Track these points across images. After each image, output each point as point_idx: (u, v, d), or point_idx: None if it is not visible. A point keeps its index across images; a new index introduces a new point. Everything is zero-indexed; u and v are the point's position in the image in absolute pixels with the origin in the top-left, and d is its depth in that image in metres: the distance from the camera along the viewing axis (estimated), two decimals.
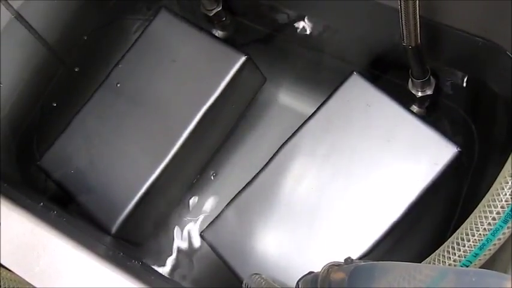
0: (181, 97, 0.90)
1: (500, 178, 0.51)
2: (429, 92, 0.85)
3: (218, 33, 1.05)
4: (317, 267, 0.73)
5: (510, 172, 0.51)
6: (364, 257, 0.75)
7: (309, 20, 0.99)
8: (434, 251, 0.60)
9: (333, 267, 0.49)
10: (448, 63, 0.87)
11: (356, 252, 0.76)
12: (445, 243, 0.56)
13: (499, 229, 0.50)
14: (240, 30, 1.06)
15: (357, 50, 0.97)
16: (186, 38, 0.93)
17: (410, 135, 0.79)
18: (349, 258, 0.49)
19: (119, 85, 0.94)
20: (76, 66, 1.09)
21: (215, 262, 0.84)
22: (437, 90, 0.85)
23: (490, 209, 0.50)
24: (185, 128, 0.87)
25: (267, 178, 0.83)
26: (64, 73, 1.08)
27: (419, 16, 0.65)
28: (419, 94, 0.85)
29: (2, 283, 0.64)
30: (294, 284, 0.58)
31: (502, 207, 0.50)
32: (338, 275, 0.47)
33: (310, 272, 0.57)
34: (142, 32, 0.97)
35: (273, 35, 1.04)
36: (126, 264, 0.72)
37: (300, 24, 1.00)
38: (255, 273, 0.66)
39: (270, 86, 1.00)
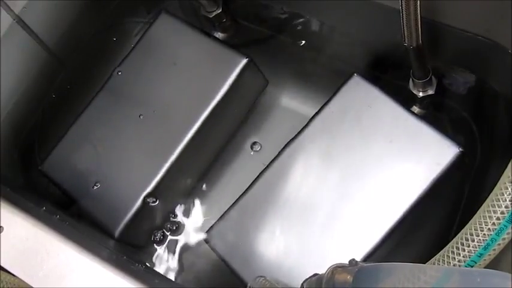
0: (183, 100, 0.90)
1: (503, 178, 0.51)
2: (431, 92, 0.85)
3: (219, 35, 1.05)
4: (320, 268, 0.73)
5: None
6: (368, 257, 0.75)
7: (310, 21, 0.99)
8: (437, 251, 0.60)
9: (337, 268, 0.49)
10: (450, 63, 0.87)
11: (359, 252, 0.76)
12: (449, 243, 0.56)
13: (503, 229, 0.50)
14: (241, 32, 1.06)
15: (358, 51, 0.97)
16: (186, 40, 0.93)
17: (412, 136, 0.79)
18: (353, 260, 0.49)
19: (120, 88, 0.94)
20: (77, 70, 1.09)
21: (218, 264, 0.84)
22: (438, 90, 0.85)
23: (494, 208, 0.50)
24: (187, 131, 0.88)
25: (269, 180, 0.83)
26: (65, 76, 1.08)
27: (420, 16, 0.65)
28: (421, 94, 0.85)
29: (5, 287, 0.64)
30: (298, 286, 0.58)
31: (506, 206, 0.50)
32: (342, 277, 0.47)
33: (315, 274, 0.57)
34: (142, 35, 0.97)
35: (274, 37, 1.04)
36: (129, 267, 0.72)
37: (301, 26, 1.00)
38: (259, 276, 0.66)
39: (272, 88, 1.00)
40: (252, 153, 0.99)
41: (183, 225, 0.98)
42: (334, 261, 0.76)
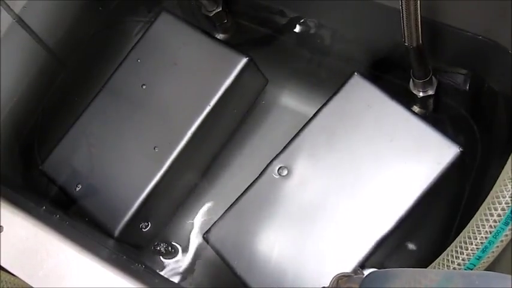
0: (183, 100, 0.90)
1: (500, 181, 0.52)
2: (431, 92, 0.84)
3: (219, 35, 1.05)
4: (319, 267, 0.73)
5: (510, 175, 0.51)
6: (369, 257, 0.75)
7: (310, 21, 0.99)
8: (437, 251, 0.60)
9: (342, 278, 0.50)
10: (450, 63, 0.87)
11: (360, 252, 0.76)
12: (449, 247, 0.56)
13: (500, 231, 0.50)
14: (241, 32, 1.06)
15: (358, 50, 0.97)
16: (187, 40, 0.93)
17: (412, 136, 0.79)
18: (357, 268, 0.50)
19: (120, 88, 0.94)
20: (77, 70, 1.09)
21: (218, 264, 0.84)
22: (438, 90, 0.85)
23: (491, 211, 0.51)
24: (187, 130, 0.88)
25: (269, 180, 0.83)
26: (65, 76, 1.08)
27: (420, 16, 0.65)
28: (421, 94, 0.85)
29: (5, 286, 0.64)
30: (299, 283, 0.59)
31: (502, 209, 0.50)
32: (348, 286, 0.47)
33: None
34: (143, 35, 0.97)
35: (274, 36, 1.04)
36: (129, 267, 0.72)
37: (301, 25, 1.00)
38: None
39: (272, 87, 1.00)
40: (252, 152, 0.99)
41: (184, 225, 0.98)
42: (333, 260, 0.77)
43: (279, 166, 0.83)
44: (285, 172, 0.83)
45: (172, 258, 0.96)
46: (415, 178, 0.77)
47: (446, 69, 0.88)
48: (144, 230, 0.91)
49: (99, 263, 0.66)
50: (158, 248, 0.96)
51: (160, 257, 0.96)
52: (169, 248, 0.96)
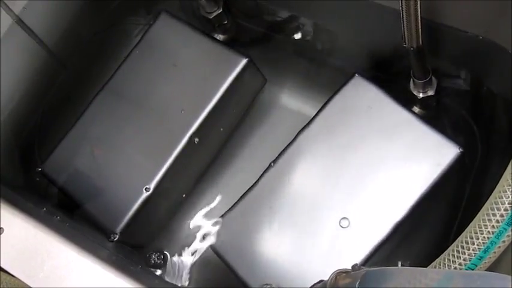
0: (183, 100, 0.90)
1: (502, 181, 0.52)
2: (431, 92, 0.85)
3: (219, 36, 1.05)
4: (320, 267, 0.73)
5: None
6: (370, 257, 0.75)
7: (311, 21, 0.99)
8: (438, 251, 0.60)
9: (340, 274, 0.50)
10: (450, 64, 0.87)
11: (361, 252, 0.76)
12: (450, 246, 0.56)
13: (503, 231, 0.50)
14: (241, 33, 1.06)
15: (359, 51, 0.97)
16: (186, 41, 0.93)
17: (412, 136, 0.79)
18: (356, 264, 0.50)
19: (120, 89, 0.94)
20: (77, 71, 1.08)
21: (217, 265, 0.84)
22: (438, 90, 0.85)
23: (493, 211, 0.51)
24: (187, 131, 0.88)
25: (270, 181, 0.83)
26: (65, 77, 1.08)
27: (420, 17, 0.65)
28: (421, 95, 0.85)
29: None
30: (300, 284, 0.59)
31: (505, 209, 0.50)
32: (346, 281, 0.47)
33: (321, 281, 0.57)
34: (143, 36, 0.97)
35: (274, 37, 1.04)
36: (129, 268, 0.72)
37: (301, 26, 1.00)
38: (266, 284, 0.67)
39: (272, 87, 1.00)
40: (252, 152, 0.99)
41: (183, 226, 0.98)
42: (335, 261, 0.77)
43: (280, 167, 0.83)
44: (285, 173, 0.83)
45: (170, 262, 0.96)
46: (415, 178, 0.77)
47: (446, 70, 0.88)
48: (109, 241, 0.89)
49: (99, 264, 0.66)
50: (153, 262, 0.95)
51: (157, 270, 0.95)
52: (162, 257, 0.96)
